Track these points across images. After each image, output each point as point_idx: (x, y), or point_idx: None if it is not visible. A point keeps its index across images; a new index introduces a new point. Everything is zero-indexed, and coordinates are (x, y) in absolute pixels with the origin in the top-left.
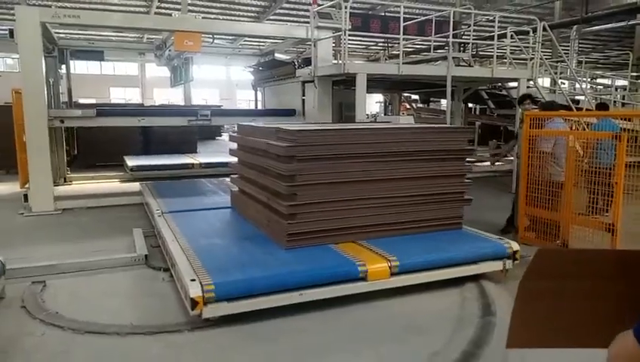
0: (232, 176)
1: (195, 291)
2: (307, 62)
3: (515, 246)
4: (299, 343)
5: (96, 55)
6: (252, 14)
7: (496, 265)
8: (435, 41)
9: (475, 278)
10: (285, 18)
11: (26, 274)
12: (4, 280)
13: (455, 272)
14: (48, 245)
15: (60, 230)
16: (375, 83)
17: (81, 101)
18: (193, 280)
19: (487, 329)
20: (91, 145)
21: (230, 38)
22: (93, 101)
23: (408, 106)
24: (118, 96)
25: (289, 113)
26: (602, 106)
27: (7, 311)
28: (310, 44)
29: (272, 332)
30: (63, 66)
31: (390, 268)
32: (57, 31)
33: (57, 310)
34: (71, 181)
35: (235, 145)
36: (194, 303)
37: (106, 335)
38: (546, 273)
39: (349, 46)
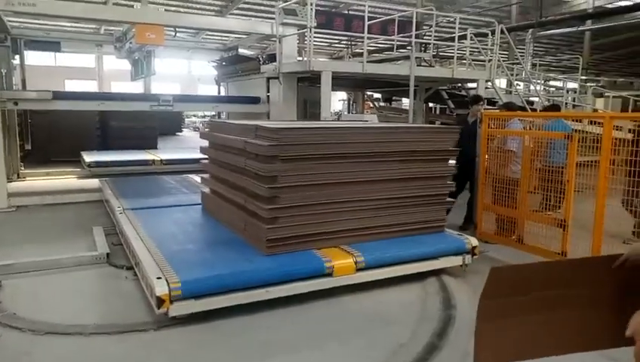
0: (202, 175)
1: (161, 289)
2: (272, 58)
3: (474, 241)
4: (266, 339)
5: (53, 46)
6: (215, 7)
7: (456, 260)
8: (397, 41)
9: (437, 273)
10: (248, 13)
11: None
12: None
13: (417, 267)
14: (3, 244)
15: (14, 228)
16: (339, 81)
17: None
18: (159, 278)
19: (448, 322)
20: (46, 139)
21: (192, 31)
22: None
23: (371, 105)
24: (74, 88)
25: (253, 100)
26: (553, 107)
27: None
28: (275, 40)
29: (239, 328)
30: (17, 57)
31: (356, 263)
32: (10, 19)
33: (15, 311)
34: (25, 177)
35: (205, 143)
36: (160, 301)
37: (69, 335)
38: (502, 291)
39: (313, 43)
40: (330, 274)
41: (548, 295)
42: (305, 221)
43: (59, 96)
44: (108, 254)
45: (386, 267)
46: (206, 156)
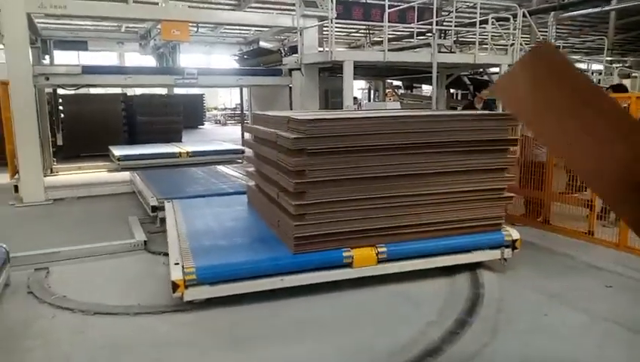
0: (247, 170)
1: (176, 274)
2: (293, 50)
3: (515, 234)
4: (301, 317)
5: (80, 45)
6: (232, 1)
7: (493, 254)
8: (417, 28)
9: (474, 267)
10: (265, 6)
11: (28, 261)
12: (9, 267)
13: (445, 261)
14: (45, 234)
15: (54, 219)
16: (360, 70)
17: (61, 92)
18: (177, 263)
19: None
20: (76, 135)
21: (211, 26)
22: (71, 92)
23: (393, 93)
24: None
25: (275, 73)
26: (620, 87)
27: (15, 296)
28: (295, 32)
29: (274, 310)
30: (47, 57)
31: (377, 254)
32: (39, 21)
33: (64, 294)
34: (57, 172)
35: (250, 136)
36: (175, 286)
37: (115, 315)
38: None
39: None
40: (349, 265)
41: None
42: (335, 218)
43: (87, 70)
44: (145, 242)
45: (410, 259)
46: (248, 149)
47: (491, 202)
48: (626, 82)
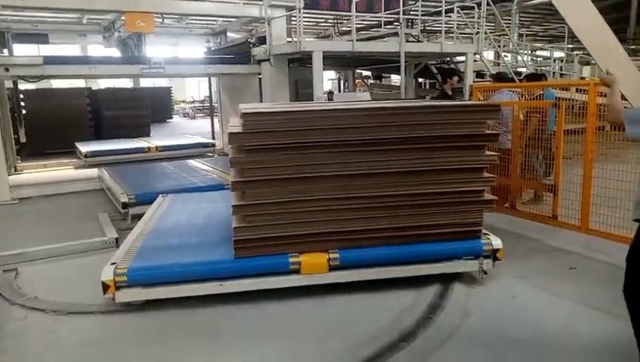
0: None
1: (106, 275)
2: (262, 40)
3: (497, 243)
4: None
5: (40, 38)
6: None
7: (469, 265)
8: (384, 18)
9: (448, 279)
10: None
11: None
12: None
13: (408, 271)
14: (13, 234)
15: (21, 219)
16: (329, 60)
17: (22, 87)
18: (113, 263)
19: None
20: (40, 132)
21: (177, 17)
22: (33, 87)
23: (362, 83)
24: (61, 82)
25: (244, 61)
26: (535, 76)
27: None
28: (263, 23)
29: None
30: (5, 50)
31: (329, 261)
32: None
33: (35, 295)
34: (22, 170)
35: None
36: (105, 287)
37: (89, 314)
38: None
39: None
40: (296, 271)
41: None
42: (281, 220)
43: (49, 60)
44: (117, 239)
45: (367, 268)
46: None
47: (467, 206)
48: (586, 69)
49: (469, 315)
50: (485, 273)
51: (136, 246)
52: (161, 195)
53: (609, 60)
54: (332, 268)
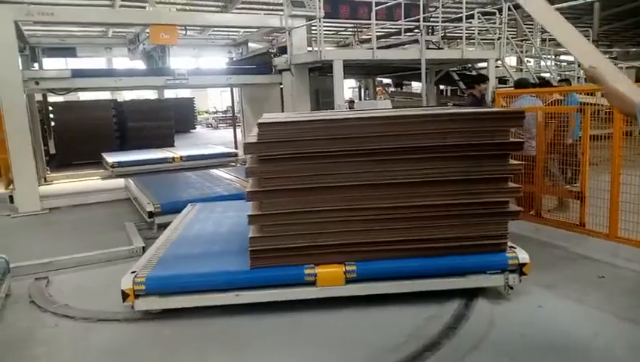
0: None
1: (126, 283)
2: (283, 50)
3: (524, 257)
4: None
5: (69, 52)
6: (219, 3)
7: (493, 280)
8: (404, 25)
9: (472, 295)
10: (252, 7)
11: (27, 271)
12: (10, 278)
13: (429, 284)
14: (44, 243)
15: (51, 228)
16: (349, 69)
17: (51, 99)
18: (133, 271)
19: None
20: (68, 143)
21: (199, 28)
22: (61, 99)
23: (383, 91)
24: (88, 94)
25: (265, 71)
26: (565, 82)
27: (17, 306)
28: (284, 33)
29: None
30: (35, 64)
31: (345, 273)
32: (26, 28)
33: (66, 302)
34: (51, 181)
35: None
36: (124, 295)
37: (118, 322)
38: None
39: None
40: (312, 283)
41: None
42: (298, 231)
43: (77, 74)
44: (143, 248)
45: (385, 281)
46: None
47: (491, 218)
48: None
49: (494, 325)
50: (511, 288)
51: (157, 255)
52: (190, 204)
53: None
54: (349, 281)
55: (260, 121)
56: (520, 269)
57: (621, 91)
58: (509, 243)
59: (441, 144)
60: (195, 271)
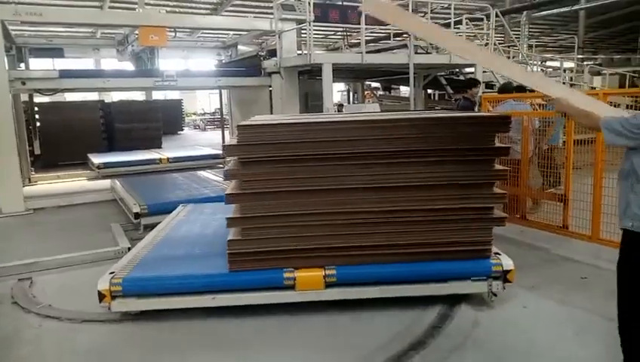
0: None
1: (102, 284)
2: (272, 53)
3: (508, 263)
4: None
5: (56, 52)
6: (209, 6)
7: (475, 286)
8: (393, 30)
9: (454, 301)
10: (242, 9)
11: (10, 272)
12: None
13: (409, 290)
14: (27, 244)
15: (35, 229)
16: (338, 72)
17: (37, 100)
18: (112, 272)
19: None
20: (53, 144)
21: (189, 31)
22: (47, 100)
23: (372, 94)
24: (75, 95)
25: (254, 73)
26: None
27: (0, 307)
28: (273, 36)
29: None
30: (22, 64)
31: (325, 277)
32: (13, 28)
33: (49, 303)
34: (36, 181)
35: None
36: (101, 296)
37: (103, 322)
38: None
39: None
40: (291, 287)
41: None
42: (277, 234)
43: (64, 74)
44: (129, 248)
45: (365, 286)
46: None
47: (475, 224)
48: (597, 79)
49: (478, 324)
50: (495, 295)
51: (138, 257)
52: (181, 205)
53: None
54: (328, 285)
55: (240, 123)
56: (504, 276)
57: (583, 109)
58: (494, 250)
59: (424, 148)
60: (173, 273)
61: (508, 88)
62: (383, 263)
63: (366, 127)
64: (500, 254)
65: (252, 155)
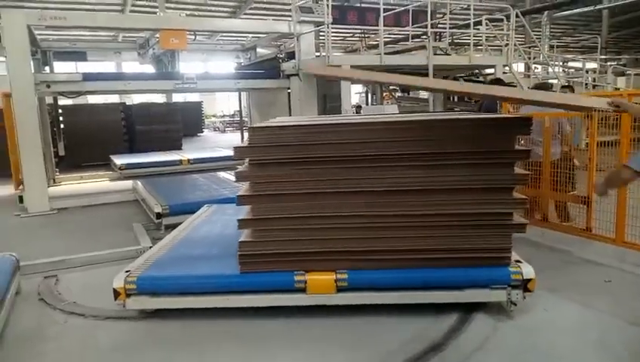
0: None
1: (117, 282)
2: (291, 55)
3: (529, 272)
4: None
5: (79, 56)
6: (228, 9)
7: (493, 295)
8: (412, 31)
9: (471, 309)
10: (261, 12)
11: (37, 270)
12: (20, 275)
13: (423, 297)
14: (52, 243)
15: (60, 228)
16: None
17: (61, 102)
18: (127, 271)
19: None
20: (77, 145)
21: (208, 33)
22: (71, 102)
23: (390, 96)
24: (97, 97)
25: (273, 76)
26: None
27: (26, 303)
28: (292, 38)
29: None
30: (47, 68)
31: (336, 281)
32: (38, 32)
33: (74, 300)
34: (60, 182)
35: None
36: (116, 293)
37: (125, 319)
38: None
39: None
40: (302, 290)
41: None
42: (288, 237)
43: (88, 77)
44: (150, 248)
45: (378, 291)
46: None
47: (493, 230)
48: (620, 80)
49: (498, 327)
50: (514, 304)
51: (156, 256)
52: (206, 205)
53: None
54: (340, 289)
55: (252, 125)
56: (524, 285)
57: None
58: (516, 257)
59: (441, 151)
60: (186, 273)
61: (544, 88)
62: (397, 268)
63: (378, 130)
64: (520, 262)
65: (262, 157)
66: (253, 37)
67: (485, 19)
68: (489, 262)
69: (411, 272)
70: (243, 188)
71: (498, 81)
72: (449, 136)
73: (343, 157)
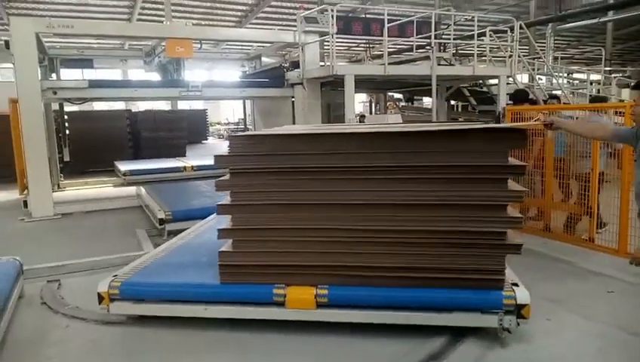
0: None
1: (102, 286)
2: (295, 65)
3: (523, 297)
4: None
5: (85, 63)
6: (234, 19)
7: (484, 320)
8: (416, 42)
9: (460, 334)
10: (266, 22)
11: (40, 274)
12: (23, 279)
13: (408, 318)
14: (56, 247)
15: (63, 233)
16: (361, 83)
17: (67, 109)
18: (115, 275)
19: None
20: (82, 151)
21: (214, 42)
22: (76, 109)
23: (394, 105)
24: (103, 104)
25: (278, 84)
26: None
27: (29, 307)
28: (297, 48)
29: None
30: (54, 75)
31: (316, 296)
32: (46, 40)
33: (77, 305)
34: (65, 187)
35: None
36: (100, 298)
37: (127, 325)
38: None
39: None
40: (280, 304)
41: None
42: (268, 248)
43: (94, 84)
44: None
45: (360, 309)
46: None
47: (485, 250)
48: (625, 92)
49: (499, 337)
50: (509, 332)
51: (146, 262)
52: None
53: None
54: (320, 305)
55: (232, 134)
56: (518, 311)
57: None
58: (512, 280)
59: (427, 164)
60: (167, 281)
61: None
62: (381, 286)
63: (364, 140)
64: (517, 285)
65: (241, 166)
66: (258, 46)
67: (489, 30)
68: (479, 284)
69: (395, 291)
70: (225, 198)
71: (522, 93)
72: (436, 148)
73: (328, 168)
